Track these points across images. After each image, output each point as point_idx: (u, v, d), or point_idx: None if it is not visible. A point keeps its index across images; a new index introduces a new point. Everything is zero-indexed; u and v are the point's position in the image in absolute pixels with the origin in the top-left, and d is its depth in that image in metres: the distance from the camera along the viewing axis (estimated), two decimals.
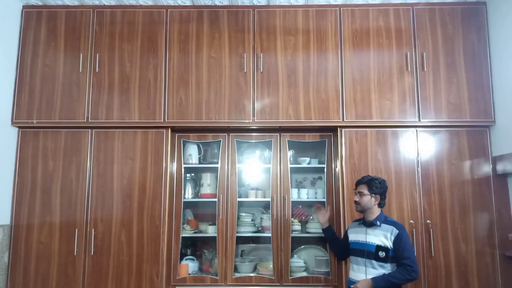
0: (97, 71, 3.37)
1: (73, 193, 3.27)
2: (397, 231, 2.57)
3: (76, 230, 3.23)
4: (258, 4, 3.44)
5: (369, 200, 2.64)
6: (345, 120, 3.29)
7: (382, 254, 2.56)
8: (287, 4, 3.44)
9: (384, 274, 2.54)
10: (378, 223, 2.63)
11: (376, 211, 2.66)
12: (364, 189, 2.66)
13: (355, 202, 2.70)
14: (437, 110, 3.28)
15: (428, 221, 3.19)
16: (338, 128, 3.31)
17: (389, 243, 2.56)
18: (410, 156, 3.26)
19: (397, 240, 2.54)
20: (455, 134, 3.29)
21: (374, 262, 2.58)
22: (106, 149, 3.32)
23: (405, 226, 2.73)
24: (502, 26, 3.22)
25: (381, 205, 2.67)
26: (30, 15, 3.46)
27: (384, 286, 2.51)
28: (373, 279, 2.54)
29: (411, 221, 3.16)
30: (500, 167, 3.15)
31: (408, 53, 3.34)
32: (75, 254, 3.21)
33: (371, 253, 2.60)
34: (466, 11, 3.39)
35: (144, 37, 3.41)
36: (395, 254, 2.55)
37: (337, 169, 3.37)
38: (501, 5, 3.23)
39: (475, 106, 3.29)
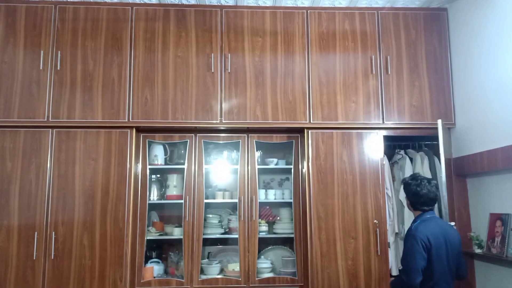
0: (58, 68, 3.27)
1: (33, 195, 3.15)
2: (405, 236, 2.53)
3: (36, 233, 3.11)
4: (225, 4, 3.42)
5: (406, 201, 2.69)
6: (311, 121, 3.33)
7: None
8: (255, 5, 3.44)
9: (395, 278, 2.68)
10: (411, 226, 2.56)
11: (413, 213, 2.62)
12: None
13: None
14: (400, 112, 3.37)
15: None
16: (305, 130, 3.33)
17: None
18: (374, 158, 3.32)
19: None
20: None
21: (400, 267, 2.62)
22: (67, 149, 3.21)
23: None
24: (461, 32, 3.34)
25: (414, 207, 2.59)
26: None
27: None
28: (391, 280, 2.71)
29: (375, 221, 3.22)
30: (459, 169, 3.26)
31: (373, 57, 3.41)
32: (34, 258, 3.09)
33: None
34: (428, 17, 3.50)
35: (108, 34, 3.33)
36: None
37: (304, 170, 3.40)
38: (461, 11, 3.35)
39: (436, 109, 3.39)
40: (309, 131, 3.33)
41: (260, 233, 3.43)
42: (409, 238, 2.43)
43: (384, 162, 3.32)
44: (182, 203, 3.36)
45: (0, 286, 3.06)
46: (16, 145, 3.20)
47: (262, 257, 3.51)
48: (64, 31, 3.32)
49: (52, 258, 3.10)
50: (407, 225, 3.29)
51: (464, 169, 3.22)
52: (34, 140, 3.21)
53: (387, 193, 3.32)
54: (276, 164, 3.60)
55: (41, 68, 3.26)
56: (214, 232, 3.46)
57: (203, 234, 3.34)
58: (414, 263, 2.35)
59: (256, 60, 3.39)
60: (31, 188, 3.16)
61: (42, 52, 3.28)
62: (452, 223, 2.89)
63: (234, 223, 3.48)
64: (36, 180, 3.17)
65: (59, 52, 3.29)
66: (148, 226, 3.40)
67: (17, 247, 3.10)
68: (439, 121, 3.11)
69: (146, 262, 3.35)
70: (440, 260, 2.39)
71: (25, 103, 3.22)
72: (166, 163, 3.55)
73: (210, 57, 3.35)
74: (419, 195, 2.52)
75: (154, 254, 3.50)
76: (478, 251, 3.02)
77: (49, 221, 3.13)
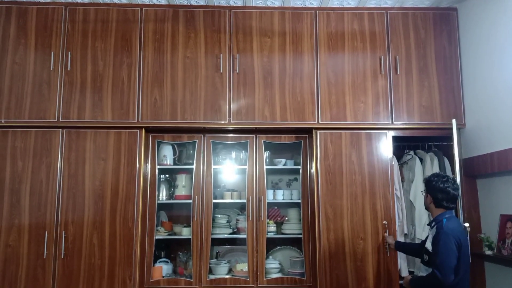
0: (69, 69, 3.30)
1: (43, 195, 3.19)
2: (435, 233, 2.44)
3: (46, 232, 3.14)
4: (234, 4, 3.43)
5: (425, 198, 2.62)
6: (320, 122, 3.32)
7: (425, 257, 2.51)
8: (263, 5, 3.44)
9: (418, 276, 2.57)
10: (433, 223, 2.52)
11: (435, 211, 2.54)
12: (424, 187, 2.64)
13: None
14: (409, 112, 3.35)
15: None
16: (313, 130, 3.33)
17: (430, 246, 2.46)
18: (383, 158, 3.30)
19: (433, 242, 2.43)
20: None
21: (421, 265, 2.55)
22: (77, 149, 3.24)
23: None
24: (471, 31, 3.31)
25: (438, 205, 2.52)
26: None
27: (415, 287, 2.54)
28: (411, 278, 2.59)
29: (384, 222, 3.20)
30: (469, 169, 3.23)
31: (382, 57, 3.40)
32: (44, 257, 3.12)
33: (423, 256, 2.58)
34: (438, 16, 3.47)
35: (118, 35, 3.36)
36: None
37: (312, 171, 3.39)
38: (471, 11, 3.32)
39: (446, 109, 3.36)
40: (318, 132, 3.32)
41: (268, 234, 3.43)
42: (443, 236, 2.38)
43: (393, 163, 3.31)
44: (190, 203, 3.37)
45: (11, 284, 3.10)
46: (27, 145, 3.24)
47: (270, 257, 3.51)
48: (74, 32, 3.35)
49: (62, 257, 3.13)
50: (416, 226, 3.27)
51: (474, 170, 3.19)
52: (45, 140, 3.25)
53: (396, 194, 3.30)
54: (284, 165, 3.60)
55: (51, 69, 3.30)
56: (223, 232, 3.47)
57: (212, 234, 3.35)
58: (449, 261, 2.33)
59: (265, 61, 3.39)
60: (42, 187, 3.20)
61: (52, 53, 3.31)
62: (466, 224, 2.88)
63: (242, 223, 3.48)
64: (47, 180, 3.20)
65: (69, 53, 3.32)
66: (157, 226, 3.41)
67: (28, 246, 3.14)
68: (454, 121, 3.09)
69: (155, 261, 3.37)
70: (465, 258, 2.41)
71: (36, 103, 3.26)
72: (175, 163, 3.56)
73: (218, 57, 3.36)
74: (446, 191, 2.48)
75: (162, 253, 3.52)
76: (488, 252, 2.99)
77: (59, 220, 3.17)
